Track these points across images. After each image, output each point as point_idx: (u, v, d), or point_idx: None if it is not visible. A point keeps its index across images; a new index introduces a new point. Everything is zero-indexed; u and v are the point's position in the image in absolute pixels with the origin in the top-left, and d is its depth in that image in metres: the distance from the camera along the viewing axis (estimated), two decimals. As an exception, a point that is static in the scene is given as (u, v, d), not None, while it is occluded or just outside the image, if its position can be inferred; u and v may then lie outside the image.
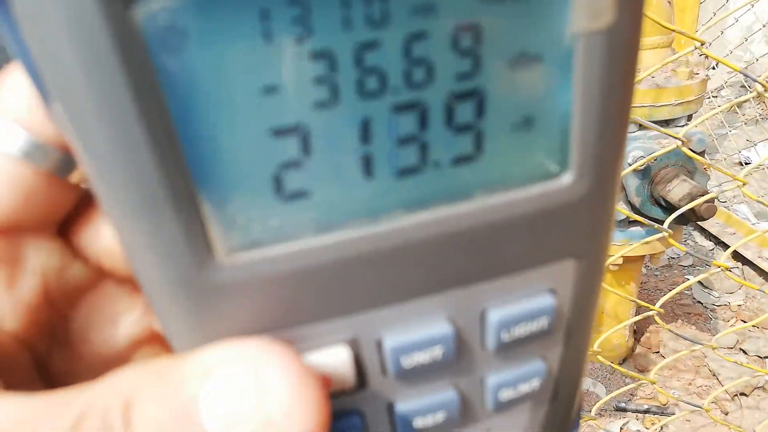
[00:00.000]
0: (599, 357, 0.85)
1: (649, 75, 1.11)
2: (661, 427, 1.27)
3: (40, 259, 0.15)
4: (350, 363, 0.13)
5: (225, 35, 0.10)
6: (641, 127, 1.12)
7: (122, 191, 0.11)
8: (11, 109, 0.14)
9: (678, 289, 0.77)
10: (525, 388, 0.14)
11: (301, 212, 0.12)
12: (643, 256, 1.33)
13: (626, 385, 1.40)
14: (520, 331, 0.13)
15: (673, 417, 1.11)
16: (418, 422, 0.14)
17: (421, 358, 0.13)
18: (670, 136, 0.51)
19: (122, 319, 0.17)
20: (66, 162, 0.14)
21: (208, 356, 0.12)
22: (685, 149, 0.60)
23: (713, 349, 0.79)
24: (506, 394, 0.14)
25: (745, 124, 2.35)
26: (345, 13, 0.10)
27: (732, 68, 0.61)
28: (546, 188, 0.13)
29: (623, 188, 1.14)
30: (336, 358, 0.13)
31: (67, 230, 0.16)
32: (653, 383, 0.78)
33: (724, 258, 0.68)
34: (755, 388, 1.33)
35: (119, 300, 0.17)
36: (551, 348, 0.14)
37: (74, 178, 0.15)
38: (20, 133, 0.14)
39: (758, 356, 1.43)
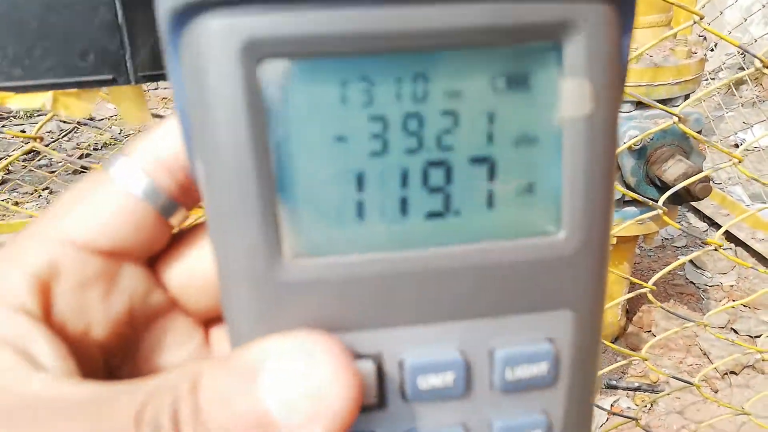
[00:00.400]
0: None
1: (646, 53, 1.10)
2: (651, 404, 1.29)
3: (131, 282, 0.18)
4: (374, 377, 0.15)
5: (315, 95, 0.14)
6: (638, 106, 1.12)
7: (226, 201, 0.14)
8: (143, 158, 0.17)
9: (672, 266, 0.77)
10: None
11: (350, 233, 0.15)
12: (637, 237, 1.34)
13: (616, 362, 1.41)
14: (523, 372, 0.16)
15: (662, 394, 1.12)
16: None
17: (435, 381, 0.16)
18: (668, 112, 0.51)
19: (183, 347, 0.19)
20: (171, 206, 0.18)
21: (268, 343, 0.14)
22: (682, 126, 0.59)
23: (704, 327, 0.79)
24: None
25: (742, 106, 2.34)
26: (397, 89, 0.14)
27: (732, 44, 0.60)
28: (543, 242, 0.15)
29: (619, 168, 1.13)
30: (363, 370, 0.15)
31: (155, 262, 0.19)
32: (645, 360, 0.79)
33: (717, 237, 0.68)
34: (745, 367, 1.35)
35: (184, 329, 0.20)
36: (552, 401, 0.16)
37: (174, 221, 0.18)
38: (144, 179, 0.17)
39: (749, 335, 1.44)
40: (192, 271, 0.19)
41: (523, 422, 0.16)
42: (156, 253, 0.19)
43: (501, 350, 0.16)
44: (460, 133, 0.15)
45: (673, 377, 0.83)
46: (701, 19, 0.54)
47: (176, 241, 0.19)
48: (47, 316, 0.17)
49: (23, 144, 2.77)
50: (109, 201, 0.17)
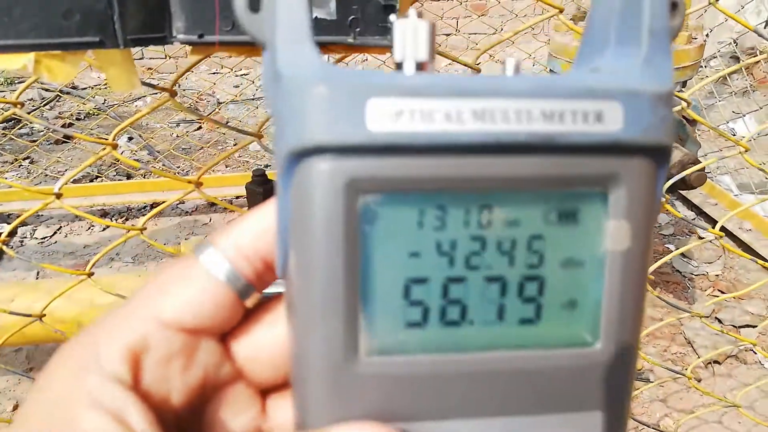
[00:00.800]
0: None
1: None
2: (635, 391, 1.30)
3: (207, 356, 0.20)
4: None
5: (398, 219, 0.17)
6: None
7: (315, 300, 0.17)
8: (227, 247, 0.20)
9: (667, 258, 0.76)
10: None
11: (415, 337, 0.18)
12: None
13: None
14: None
15: (652, 384, 1.12)
16: None
17: None
18: (678, 97, 0.50)
19: (244, 414, 0.22)
20: (248, 290, 0.20)
21: (341, 428, 0.17)
22: (691, 112, 0.58)
23: (693, 317, 0.79)
24: None
25: (734, 95, 2.34)
26: (466, 218, 0.17)
27: (744, 25, 0.58)
28: (581, 352, 0.18)
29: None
30: None
31: (226, 337, 0.21)
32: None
33: (718, 227, 0.68)
34: (728, 357, 1.36)
35: (246, 398, 0.22)
36: None
37: (248, 302, 0.21)
38: (226, 265, 0.20)
39: (733, 325, 1.46)
40: (258, 346, 0.21)
41: None
42: (230, 330, 0.21)
43: None
44: (516, 255, 0.18)
45: (665, 368, 0.82)
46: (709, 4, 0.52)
47: (245, 317, 0.21)
48: (137, 386, 0.19)
49: (2, 111, 2.70)
50: (196, 284, 0.20)
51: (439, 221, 0.17)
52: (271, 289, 0.21)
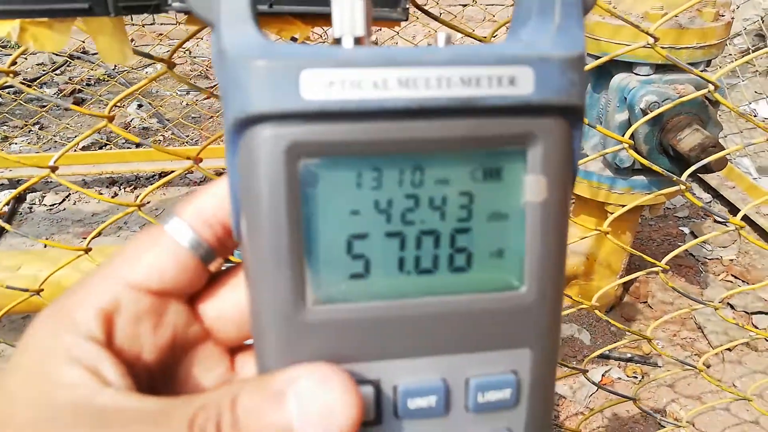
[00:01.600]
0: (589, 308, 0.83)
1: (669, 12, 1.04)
2: (642, 376, 1.28)
3: (174, 317, 0.22)
4: (373, 399, 0.20)
5: (337, 181, 0.19)
6: (658, 69, 1.06)
7: (265, 258, 0.19)
8: (190, 216, 0.22)
9: (686, 246, 0.74)
10: None
11: (358, 286, 0.19)
12: (641, 207, 1.30)
13: (611, 333, 1.40)
14: (491, 396, 0.20)
15: (664, 374, 1.10)
16: None
17: (421, 402, 0.20)
18: (705, 79, 0.47)
19: (214, 371, 0.23)
20: (210, 255, 0.22)
21: (294, 371, 0.19)
22: (718, 96, 0.55)
23: (706, 305, 0.76)
24: None
25: (758, 74, 2.27)
26: (400, 177, 0.19)
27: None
28: (509, 295, 0.20)
29: (632, 136, 1.08)
30: (365, 394, 0.19)
31: (194, 300, 0.23)
32: (650, 339, 0.76)
33: (739, 217, 0.65)
34: (739, 343, 1.34)
35: (214, 357, 0.23)
36: (515, 421, 0.21)
37: (212, 267, 0.22)
38: (190, 233, 0.22)
39: (745, 311, 1.43)
40: (223, 307, 0.23)
41: None
42: (195, 293, 0.23)
43: (474, 379, 0.20)
44: (447, 210, 0.20)
45: (678, 360, 0.80)
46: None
47: (211, 282, 0.23)
48: (110, 343, 0.21)
49: (7, 77, 2.68)
50: (162, 251, 0.21)
51: (375, 182, 0.19)
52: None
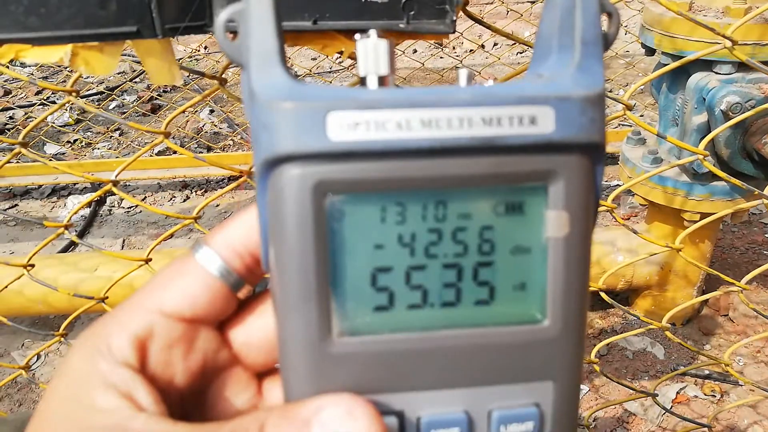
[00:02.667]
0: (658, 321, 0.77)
1: (754, 5, 0.96)
2: (722, 395, 1.20)
3: (205, 343, 0.23)
4: (396, 430, 0.20)
5: (362, 216, 0.19)
6: (740, 67, 0.98)
7: (292, 290, 0.19)
8: (220, 246, 0.22)
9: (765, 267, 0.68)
10: None
11: (382, 318, 0.20)
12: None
13: (687, 347, 1.32)
14: (514, 429, 0.20)
15: (746, 399, 1.02)
16: None
17: None
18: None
19: (242, 395, 0.24)
20: (239, 283, 0.23)
21: (320, 400, 0.19)
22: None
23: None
24: None
25: None
26: (423, 213, 0.19)
27: None
28: (531, 328, 0.20)
29: (711, 141, 1.01)
30: (389, 424, 0.19)
31: (223, 327, 0.24)
32: (727, 365, 0.71)
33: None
34: (834, 363, 1.23)
35: (242, 382, 0.24)
36: None
37: (240, 295, 0.23)
38: (218, 261, 0.22)
39: (841, 329, 1.31)
40: (251, 333, 0.24)
41: None
42: (225, 319, 0.23)
43: (497, 411, 0.20)
44: (469, 244, 0.20)
45: (758, 386, 0.74)
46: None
47: (239, 309, 0.24)
48: (143, 369, 0.21)
49: (97, 85, 2.84)
50: (193, 280, 0.22)
51: (399, 216, 0.19)
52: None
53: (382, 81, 0.20)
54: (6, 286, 0.69)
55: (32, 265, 0.61)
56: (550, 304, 0.20)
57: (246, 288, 0.23)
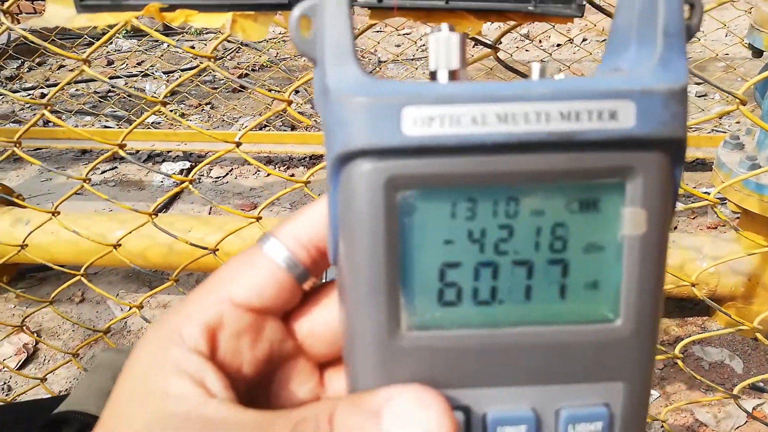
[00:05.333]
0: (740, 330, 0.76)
1: None
2: (803, 416, 1.15)
3: (271, 333, 0.23)
4: (463, 425, 0.20)
5: (433, 211, 0.19)
6: None
7: (361, 283, 0.19)
8: (286, 238, 0.23)
9: None
10: None
11: (450, 314, 0.20)
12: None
13: (768, 364, 1.27)
14: (582, 429, 0.20)
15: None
16: None
17: (511, 431, 0.20)
18: None
19: (305, 385, 0.25)
20: (305, 275, 0.23)
21: (390, 390, 0.19)
22: None
23: None
24: None
25: None
26: (494, 208, 0.19)
27: None
28: (603, 327, 0.20)
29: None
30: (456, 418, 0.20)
31: (288, 318, 0.24)
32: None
33: None
34: None
35: (305, 372, 0.25)
36: None
37: (306, 286, 0.24)
38: (285, 253, 0.23)
39: None
40: (315, 325, 0.24)
41: None
42: (290, 310, 0.24)
43: (565, 411, 0.20)
44: (541, 241, 0.20)
45: None
46: None
47: (303, 300, 0.24)
48: (214, 357, 0.22)
49: (192, 59, 2.99)
50: (261, 270, 0.23)
51: (470, 212, 0.19)
52: (327, 276, 0.25)
53: (452, 75, 0.20)
54: (129, 233, 0.76)
55: (156, 214, 0.68)
56: (623, 304, 0.20)
57: (311, 280, 0.24)
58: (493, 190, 0.19)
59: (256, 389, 0.24)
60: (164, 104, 0.57)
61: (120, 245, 0.72)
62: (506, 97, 0.18)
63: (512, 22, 0.46)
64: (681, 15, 0.19)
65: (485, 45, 0.50)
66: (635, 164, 0.19)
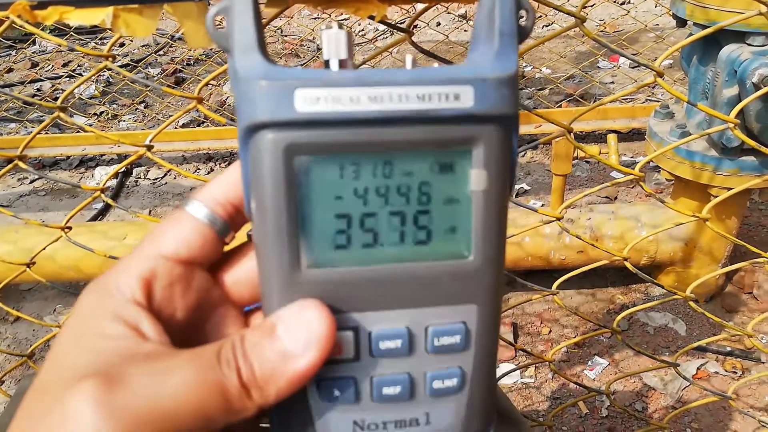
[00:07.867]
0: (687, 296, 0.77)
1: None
2: (743, 372, 1.20)
3: (199, 282, 0.27)
4: (352, 341, 0.25)
5: (324, 172, 0.24)
6: (775, 39, 0.96)
7: (269, 232, 0.24)
8: (206, 198, 0.27)
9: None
10: (449, 383, 0.26)
11: (341, 255, 0.25)
12: (750, 190, 1.20)
13: (710, 324, 1.31)
14: (445, 341, 0.26)
15: (763, 374, 1.02)
16: (385, 390, 0.26)
17: (390, 344, 0.25)
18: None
19: (231, 329, 0.28)
20: (225, 228, 0.27)
21: (280, 310, 0.24)
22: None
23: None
24: (437, 385, 0.26)
25: None
26: (374, 171, 0.24)
27: None
28: (460, 262, 0.25)
29: (741, 113, 0.99)
30: (346, 337, 0.25)
31: (213, 269, 0.28)
32: (750, 336, 0.71)
33: None
34: None
35: (232, 317, 0.28)
36: (465, 361, 0.26)
37: (227, 239, 0.27)
38: (206, 211, 0.26)
39: None
40: (238, 274, 0.28)
41: (446, 373, 0.26)
42: (214, 261, 0.28)
43: (432, 327, 0.26)
44: (411, 196, 0.25)
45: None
46: None
47: (227, 254, 0.28)
48: (149, 306, 0.25)
49: (122, 57, 2.85)
50: (187, 227, 0.26)
51: (354, 173, 0.24)
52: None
53: (342, 64, 0.24)
54: (43, 249, 0.71)
55: (69, 228, 0.63)
56: (474, 243, 0.25)
57: (230, 234, 0.27)
58: (372, 156, 0.24)
59: (189, 336, 0.27)
60: (63, 110, 0.53)
61: (34, 263, 0.67)
62: (377, 82, 0.23)
63: (421, 6, 0.44)
64: (513, 19, 0.24)
65: (399, 30, 0.48)
66: (477, 135, 0.24)
